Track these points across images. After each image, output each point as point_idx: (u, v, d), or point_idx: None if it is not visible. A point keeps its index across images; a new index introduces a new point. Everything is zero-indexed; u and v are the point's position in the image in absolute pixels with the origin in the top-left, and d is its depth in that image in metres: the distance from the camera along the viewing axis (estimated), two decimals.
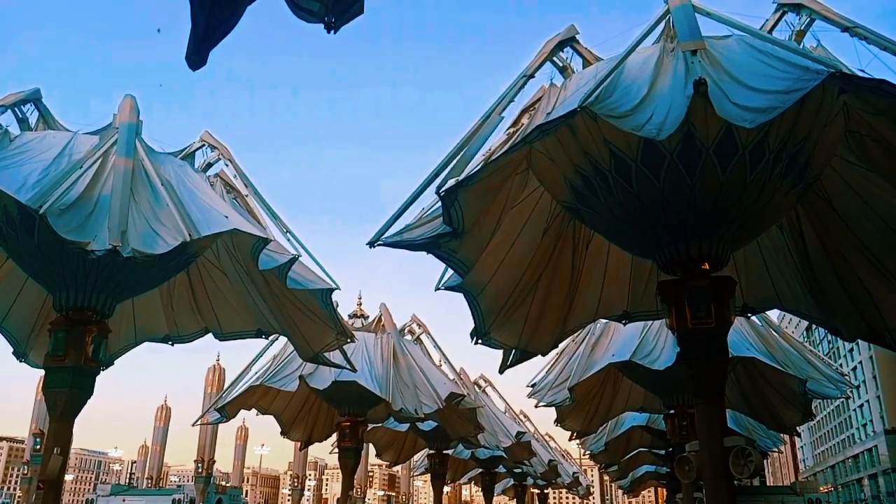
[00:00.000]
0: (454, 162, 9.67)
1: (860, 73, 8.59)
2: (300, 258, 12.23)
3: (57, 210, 10.00)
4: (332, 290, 12.74)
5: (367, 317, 23.46)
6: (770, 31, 9.92)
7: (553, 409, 22.92)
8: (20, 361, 14.12)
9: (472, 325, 12.71)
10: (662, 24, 9.93)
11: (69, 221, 10.14)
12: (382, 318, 22.86)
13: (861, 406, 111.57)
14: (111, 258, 10.79)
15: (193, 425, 24.02)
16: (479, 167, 9.46)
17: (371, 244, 10.03)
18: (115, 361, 14.70)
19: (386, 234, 10.05)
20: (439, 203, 9.56)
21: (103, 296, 11.64)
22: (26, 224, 10.78)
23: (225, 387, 26.11)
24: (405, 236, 10.15)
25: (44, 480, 11.06)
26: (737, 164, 9.21)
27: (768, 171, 9.33)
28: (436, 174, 9.65)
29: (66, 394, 11.31)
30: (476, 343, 12.93)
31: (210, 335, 15.20)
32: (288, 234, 13.24)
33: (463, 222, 9.83)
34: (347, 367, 16.77)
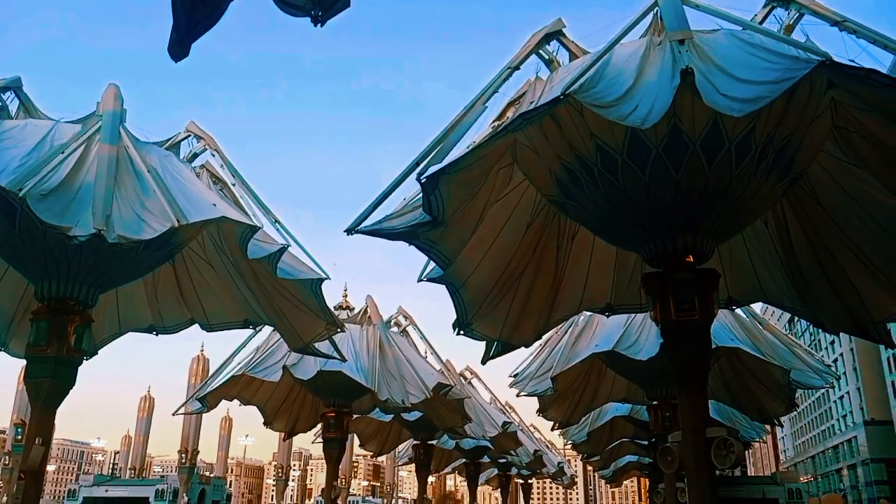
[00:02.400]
0: (436, 151, 9.60)
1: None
2: (290, 248, 12.15)
3: (38, 195, 9.79)
4: (322, 280, 12.67)
5: (353, 308, 23.40)
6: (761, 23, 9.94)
7: (536, 400, 23.06)
8: (1, 351, 13.99)
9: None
10: (650, 18, 9.93)
11: (50, 206, 9.92)
12: (368, 309, 22.82)
13: (841, 397, 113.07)
14: (94, 246, 10.64)
15: (174, 415, 23.92)
16: (461, 155, 9.38)
17: (349, 231, 9.91)
18: (99, 351, 14.63)
19: (365, 223, 9.95)
20: (422, 194, 9.49)
21: (86, 286, 11.50)
22: (7, 212, 10.60)
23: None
24: (384, 225, 10.06)
25: (25, 471, 10.98)
26: (723, 159, 9.23)
27: (754, 165, 9.36)
28: (417, 163, 9.53)
29: (47, 383, 11.18)
30: (458, 334, 12.93)
31: (196, 325, 15.11)
32: (277, 223, 13.15)
33: (443, 211, 9.75)
34: (337, 356, 16.71)
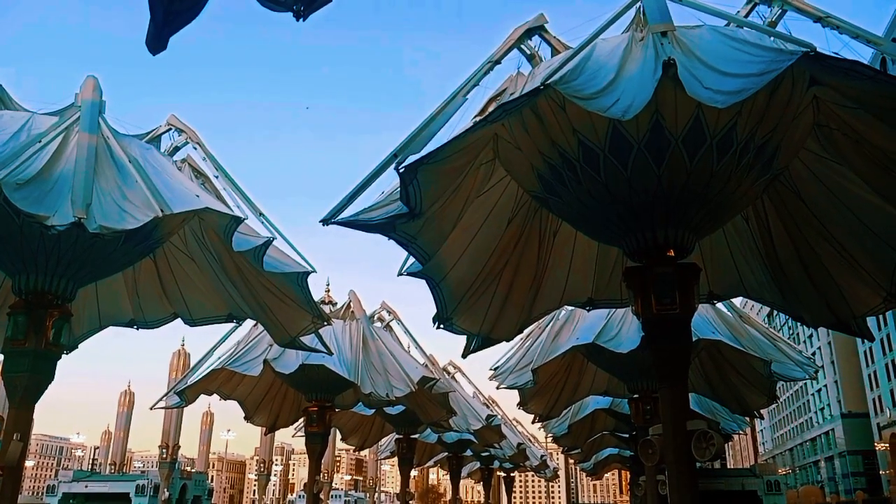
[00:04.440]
0: (415, 142, 9.48)
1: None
2: (275, 241, 12.03)
3: (13, 184, 9.54)
4: (308, 274, 12.52)
5: (336, 304, 23.30)
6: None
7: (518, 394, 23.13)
8: None
9: None
10: (633, 13, 9.95)
11: (27, 196, 9.65)
12: (351, 304, 22.75)
13: (819, 391, 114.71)
14: (73, 239, 10.49)
15: (152, 409, 23.66)
16: (440, 146, 9.27)
17: (324, 222, 9.69)
18: (79, 345, 14.47)
19: (344, 214, 9.76)
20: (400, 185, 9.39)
21: (64, 280, 11.33)
22: None
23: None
24: (361, 216, 9.91)
25: (3, 466, 10.83)
26: (704, 155, 9.27)
27: (735, 161, 9.41)
28: (395, 154, 9.37)
29: (26, 378, 11.02)
30: (438, 328, 12.91)
31: (177, 320, 14.97)
32: (261, 216, 13.02)
33: (421, 202, 9.62)
34: (323, 350, 16.64)
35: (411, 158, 8.99)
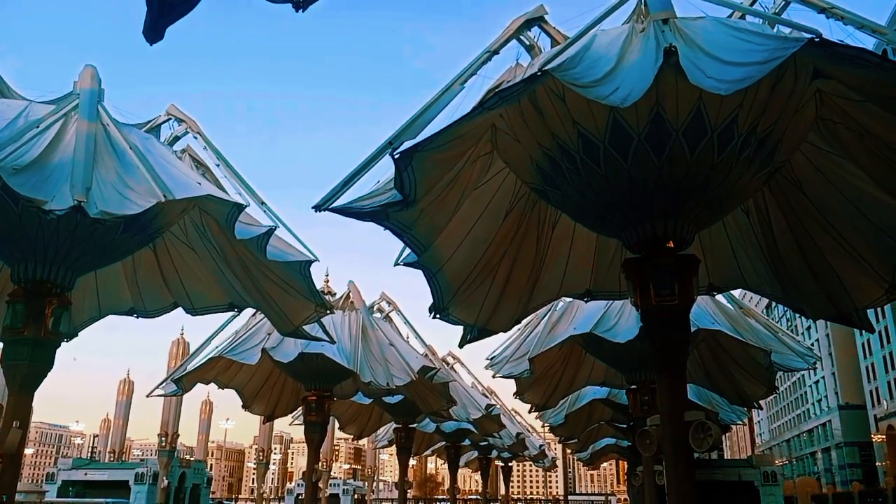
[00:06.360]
0: (410, 129, 9.42)
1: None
2: (277, 229, 11.98)
3: (10, 168, 9.45)
4: (310, 262, 12.48)
5: (335, 294, 23.29)
6: (744, 15, 9.93)
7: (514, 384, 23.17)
8: None
9: None
10: (633, 4, 9.89)
11: (25, 181, 9.54)
12: (351, 295, 22.76)
13: (817, 382, 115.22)
14: (72, 227, 10.45)
15: (148, 396, 23.65)
16: (436, 133, 9.20)
17: (317, 208, 9.62)
18: (79, 333, 14.48)
19: (337, 203, 9.70)
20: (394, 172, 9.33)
21: (63, 269, 11.29)
22: None
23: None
24: (354, 204, 9.85)
25: (3, 454, 10.86)
26: (705, 147, 9.23)
27: (736, 154, 9.37)
28: (390, 142, 9.34)
29: (25, 367, 11.01)
30: (434, 318, 12.94)
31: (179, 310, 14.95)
32: (263, 205, 12.98)
33: (415, 190, 9.55)
34: (326, 339, 16.63)
35: (407, 145, 8.95)
